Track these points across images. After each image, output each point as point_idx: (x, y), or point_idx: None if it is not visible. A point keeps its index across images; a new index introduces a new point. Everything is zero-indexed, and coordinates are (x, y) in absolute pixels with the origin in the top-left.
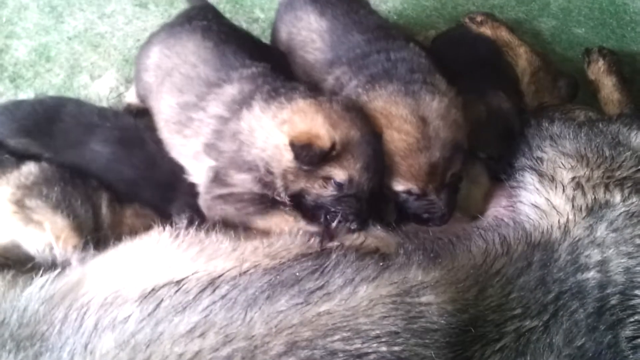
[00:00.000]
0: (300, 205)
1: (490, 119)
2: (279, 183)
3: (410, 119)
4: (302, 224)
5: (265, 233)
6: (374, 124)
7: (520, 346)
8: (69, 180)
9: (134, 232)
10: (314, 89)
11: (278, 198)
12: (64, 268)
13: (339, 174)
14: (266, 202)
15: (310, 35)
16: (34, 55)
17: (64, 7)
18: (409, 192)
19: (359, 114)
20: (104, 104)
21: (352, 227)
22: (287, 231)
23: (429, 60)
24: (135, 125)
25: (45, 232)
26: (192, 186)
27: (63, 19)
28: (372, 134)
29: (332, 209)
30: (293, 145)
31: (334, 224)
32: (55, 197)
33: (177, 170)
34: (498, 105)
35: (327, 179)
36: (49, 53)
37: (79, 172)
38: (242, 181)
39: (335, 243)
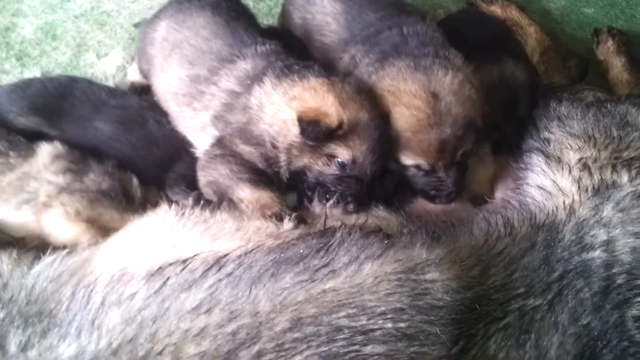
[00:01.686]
0: (299, 183)
1: (500, 84)
2: (282, 157)
3: (420, 94)
4: (284, 207)
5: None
6: (381, 104)
7: (524, 324)
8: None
9: None
10: (328, 69)
11: (275, 176)
12: (72, 247)
13: (343, 153)
14: (262, 177)
15: (325, 18)
16: (40, 34)
17: None
18: (417, 167)
19: (369, 96)
20: (110, 83)
21: (349, 209)
22: (270, 209)
23: (443, 35)
24: (139, 103)
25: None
26: (193, 164)
27: None
28: (379, 119)
29: (332, 188)
30: (300, 120)
31: (329, 203)
32: (105, 196)
33: (178, 149)
34: (512, 73)
35: (330, 157)
36: (55, 31)
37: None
38: (248, 153)
39: (337, 222)
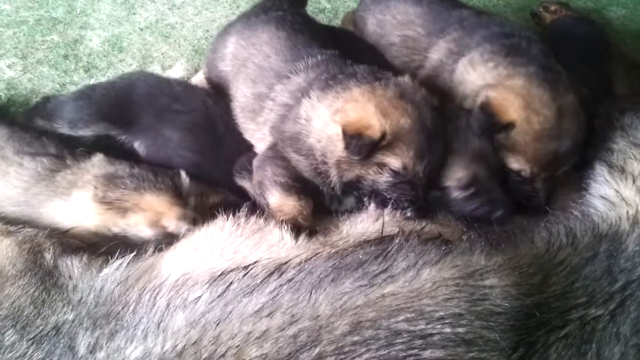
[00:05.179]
0: (354, 190)
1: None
2: (333, 172)
3: (551, 104)
4: (301, 219)
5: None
6: (505, 107)
7: (585, 334)
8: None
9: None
10: (374, 71)
11: (321, 187)
12: (138, 253)
13: (393, 162)
14: (298, 184)
15: (408, 17)
16: (107, 46)
17: None
18: (518, 173)
19: (412, 100)
20: None
21: (407, 214)
22: (287, 216)
23: None
24: (204, 103)
25: (146, 213)
26: None
27: (135, 11)
28: (425, 122)
29: (388, 195)
30: (345, 134)
31: (387, 210)
32: (132, 180)
33: (246, 149)
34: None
35: (381, 165)
36: (121, 44)
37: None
38: (296, 161)
39: (396, 229)
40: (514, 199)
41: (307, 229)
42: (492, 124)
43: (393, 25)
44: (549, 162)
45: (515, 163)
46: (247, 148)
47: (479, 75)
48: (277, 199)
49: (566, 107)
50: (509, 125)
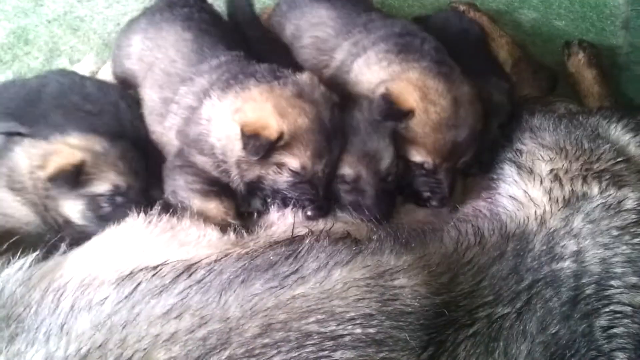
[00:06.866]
0: (257, 190)
1: (493, 109)
2: (234, 172)
3: (446, 95)
4: (231, 218)
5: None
6: (403, 97)
7: (492, 332)
8: None
9: None
10: (275, 70)
11: (231, 185)
12: (43, 252)
13: (292, 162)
14: (214, 187)
15: (321, 19)
16: (12, 38)
17: None
18: (421, 166)
19: (311, 99)
20: None
21: (309, 214)
22: (215, 220)
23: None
24: (115, 106)
25: None
26: None
27: (42, 2)
28: (323, 121)
29: (288, 195)
30: (243, 134)
31: (289, 210)
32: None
33: (157, 157)
34: (500, 96)
35: (281, 165)
36: (27, 36)
37: None
38: (202, 162)
39: (305, 230)
40: (416, 194)
41: (237, 226)
42: (393, 112)
43: (306, 28)
44: (449, 152)
45: (418, 155)
46: (156, 153)
47: (373, 74)
48: (198, 205)
49: (461, 98)
50: (410, 113)
